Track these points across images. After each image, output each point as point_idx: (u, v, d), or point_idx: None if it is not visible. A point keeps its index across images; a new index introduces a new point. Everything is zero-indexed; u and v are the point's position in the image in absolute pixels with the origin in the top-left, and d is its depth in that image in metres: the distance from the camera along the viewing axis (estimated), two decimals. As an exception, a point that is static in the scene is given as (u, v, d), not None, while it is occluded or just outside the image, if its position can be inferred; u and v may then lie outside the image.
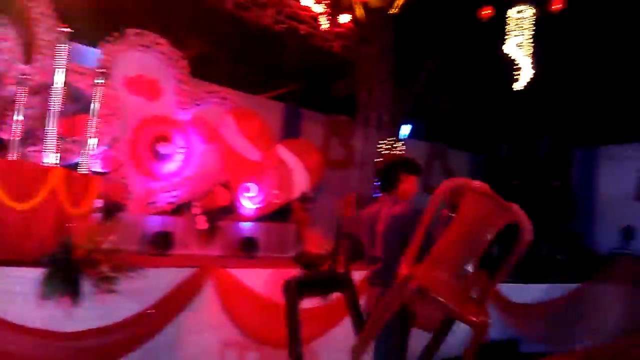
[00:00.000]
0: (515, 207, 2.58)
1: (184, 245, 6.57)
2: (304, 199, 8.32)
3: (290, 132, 9.14)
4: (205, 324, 4.30)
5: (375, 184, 9.06)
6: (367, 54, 9.17)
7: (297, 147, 8.35)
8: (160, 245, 6.12)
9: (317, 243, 5.05)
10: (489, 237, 2.53)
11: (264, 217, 7.90)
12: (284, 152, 8.13)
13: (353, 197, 3.57)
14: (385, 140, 9.13)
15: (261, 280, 4.66)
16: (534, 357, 6.43)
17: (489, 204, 2.56)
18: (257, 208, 7.76)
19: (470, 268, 2.49)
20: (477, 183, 2.58)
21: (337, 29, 8.92)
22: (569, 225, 7.84)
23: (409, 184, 3.09)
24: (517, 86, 9.50)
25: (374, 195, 9.17)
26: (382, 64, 9.22)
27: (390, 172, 3.14)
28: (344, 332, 4.78)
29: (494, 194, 2.58)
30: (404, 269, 2.46)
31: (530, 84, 10.78)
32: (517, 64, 9.42)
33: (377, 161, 8.93)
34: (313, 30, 8.64)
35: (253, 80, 9.39)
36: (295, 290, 3.04)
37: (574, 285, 6.94)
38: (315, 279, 3.71)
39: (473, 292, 2.58)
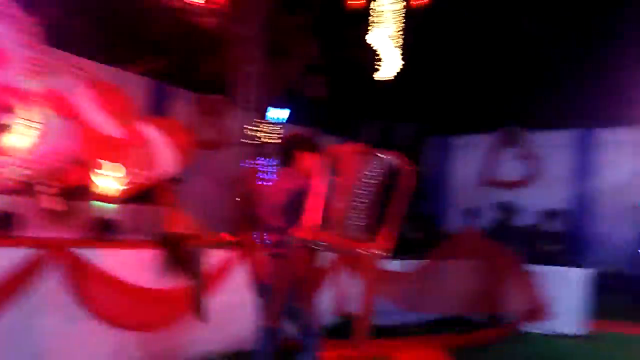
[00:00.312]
0: (392, 155, 3.02)
1: (31, 227, 6.07)
2: (171, 180, 8.08)
3: (157, 109, 8.80)
4: (51, 307, 4.05)
5: (248, 164, 9.12)
6: (241, 33, 9.07)
7: (164, 126, 8.02)
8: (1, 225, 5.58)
9: (183, 224, 4.96)
10: (372, 189, 2.93)
11: (127, 198, 7.54)
12: (150, 130, 7.78)
13: (253, 170, 3.87)
14: (257, 122, 9.15)
15: (117, 261, 4.48)
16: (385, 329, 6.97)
17: (363, 159, 2.97)
18: (119, 189, 7.38)
19: (360, 221, 2.87)
20: (349, 145, 3.04)
21: (212, 5, 8.69)
22: (424, 207, 8.50)
23: (306, 161, 3.30)
24: (379, 76, 10.00)
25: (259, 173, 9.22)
26: (256, 44, 9.18)
27: (289, 149, 3.40)
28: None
29: (367, 150, 3.00)
30: (298, 233, 2.84)
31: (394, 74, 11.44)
32: (379, 54, 9.90)
33: (252, 143, 8.94)
34: (186, 5, 8.33)
35: (118, 53, 8.85)
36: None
37: (423, 261, 7.57)
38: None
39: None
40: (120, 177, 7.57)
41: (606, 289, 9.39)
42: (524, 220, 9.22)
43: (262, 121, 9.22)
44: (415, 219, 8.04)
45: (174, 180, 7.91)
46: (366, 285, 3.03)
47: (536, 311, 6.99)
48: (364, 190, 2.95)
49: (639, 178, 10.35)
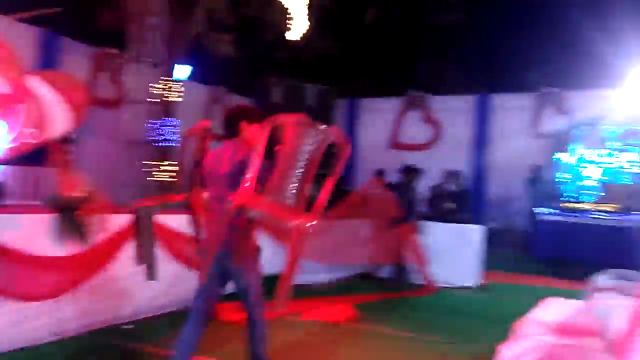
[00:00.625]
0: (332, 128, 3.18)
1: None
2: (64, 139, 7.47)
3: (46, 62, 8.03)
4: None
5: (149, 125, 8.63)
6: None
7: (56, 81, 7.32)
8: None
9: (76, 186, 4.57)
10: (309, 160, 3.12)
11: (15, 159, 6.88)
12: (39, 85, 7.07)
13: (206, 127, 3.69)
14: (160, 79, 8.65)
15: (5, 227, 4.06)
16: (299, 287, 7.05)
17: (304, 131, 3.08)
18: (9, 148, 6.70)
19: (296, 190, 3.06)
20: (292, 116, 3.11)
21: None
22: (331, 169, 8.53)
23: (251, 132, 3.37)
24: (290, 36, 9.82)
25: (149, 140, 8.73)
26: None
27: (234, 120, 3.44)
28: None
29: (308, 121, 3.11)
30: (236, 200, 2.97)
31: (305, 36, 11.28)
32: (291, 14, 9.69)
33: (150, 101, 8.45)
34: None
35: (-1, -3, 7.91)
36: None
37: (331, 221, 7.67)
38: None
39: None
40: (5, 136, 6.89)
41: (500, 244, 10.14)
42: (427, 181, 9.59)
43: (165, 78, 8.73)
44: (322, 179, 8.07)
45: (68, 140, 7.31)
46: (291, 252, 3.18)
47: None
48: (302, 161, 3.09)
49: (533, 140, 11.12)
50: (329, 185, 3.21)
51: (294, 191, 3.09)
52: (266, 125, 3.11)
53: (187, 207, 3.67)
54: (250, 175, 3.01)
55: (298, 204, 3.13)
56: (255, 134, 3.31)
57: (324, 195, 3.21)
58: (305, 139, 3.09)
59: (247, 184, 3.00)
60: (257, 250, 3.53)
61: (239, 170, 3.17)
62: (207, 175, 3.48)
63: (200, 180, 3.56)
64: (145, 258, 3.91)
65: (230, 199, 3.05)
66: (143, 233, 3.96)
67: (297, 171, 3.10)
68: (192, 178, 3.63)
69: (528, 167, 10.47)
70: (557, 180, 10.36)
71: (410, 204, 7.61)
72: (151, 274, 3.94)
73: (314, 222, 3.05)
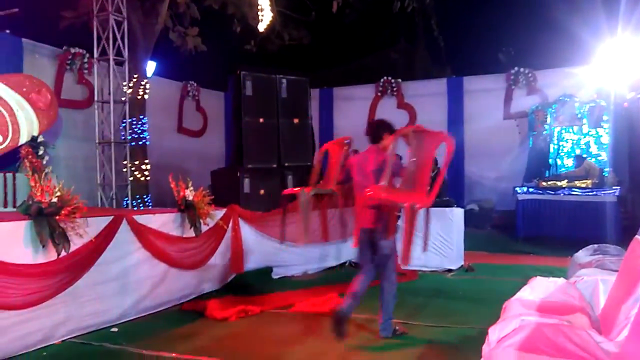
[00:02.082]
0: (444, 132, 4.49)
1: None
2: (34, 143, 7.29)
3: (9, 66, 7.78)
4: None
5: (121, 124, 8.46)
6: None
7: (19, 84, 7.17)
8: None
9: (50, 191, 4.44)
10: (432, 157, 4.40)
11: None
12: (2, 88, 6.90)
13: (349, 141, 5.23)
14: (127, 77, 8.46)
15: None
16: (284, 279, 7.05)
17: (425, 136, 4.29)
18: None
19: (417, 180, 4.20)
20: (412, 127, 4.74)
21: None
22: (311, 159, 8.52)
23: (388, 140, 4.54)
24: (260, 27, 9.73)
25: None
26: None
27: (378, 131, 4.68)
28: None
29: (425, 130, 4.38)
30: (371, 190, 4.13)
31: (273, 26, 11.17)
32: (259, 5, 9.59)
33: (119, 100, 8.26)
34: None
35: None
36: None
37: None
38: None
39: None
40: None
41: (481, 225, 10.26)
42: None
43: (132, 76, 8.54)
44: (304, 171, 8.05)
45: (39, 144, 7.14)
46: (408, 224, 4.15)
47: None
48: (420, 158, 4.21)
49: (506, 121, 11.24)
50: (440, 176, 4.15)
51: (416, 181, 4.19)
52: (396, 134, 4.47)
53: (332, 195, 5.04)
54: (387, 171, 4.21)
55: (418, 190, 4.16)
56: (389, 141, 4.51)
57: (437, 184, 4.12)
58: (424, 143, 4.23)
59: (383, 178, 4.20)
60: (395, 227, 4.42)
61: (380, 168, 4.34)
62: (355, 171, 4.72)
63: (344, 176, 4.93)
64: (306, 231, 5.04)
65: (369, 189, 4.17)
66: (305, 212, 4.96)
67: (418, 166, 4.22)
68: (339, 174, 5.01)
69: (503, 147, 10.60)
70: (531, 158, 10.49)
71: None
72: (307, 238, 5.11)
73: (427, 204, 4.15)
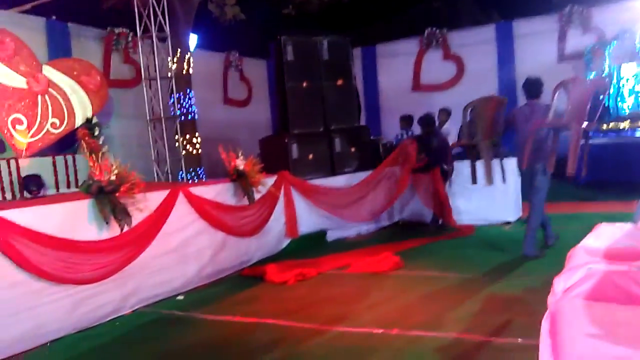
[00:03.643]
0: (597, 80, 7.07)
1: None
2: (89, 125, 7.53)
3: (58, 51, 8.01)
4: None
5: (183, 100, 8.62)
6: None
7: (70, 68, 7.37)
8: None
9: (109, 169, 4.60)
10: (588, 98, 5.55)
11: (45, 150, 6.99)
12: (54, 74, 7.12)
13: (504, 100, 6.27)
14: (173, 52, 8.53)
15: (45, 218, 4.14)
16: (338, 241, 7.12)
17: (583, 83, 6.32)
18: (32, 142, 6.81)
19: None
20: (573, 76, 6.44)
21: None
22: (357, 120, 8.41)
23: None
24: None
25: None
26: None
27: (537, 85, 5.75)
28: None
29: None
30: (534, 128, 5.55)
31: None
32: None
33: (170, 75, 8.37)
34: None
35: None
36: None
37: (365, 174, 7.62)
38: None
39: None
40: (33, 129, 6.99)
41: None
42: (458, 120, 9.36)
43: (176, 51, 8.61)
44: (350, 133, 7.97)
45: (93, 125, 7.37)
46: (574, 140, 5.32)
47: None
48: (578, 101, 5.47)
49: (561, 65, 10.65)
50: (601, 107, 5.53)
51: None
52: (557, 86, 5.50)
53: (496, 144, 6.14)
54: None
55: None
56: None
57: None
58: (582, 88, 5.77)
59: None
60: (550, 163, 5.48)
61: (539, 115, 5.50)
62: (521, 121, 5.70)
63: (506, 127, 5.95)
64: (488, 176, 6.16)
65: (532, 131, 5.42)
66: (487, 158, 6.10)
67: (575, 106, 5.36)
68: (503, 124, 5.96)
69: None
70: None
71: (432, 152, 7.47)
72: (489, 180, 6.22)
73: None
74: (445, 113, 9.58)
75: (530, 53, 10.93)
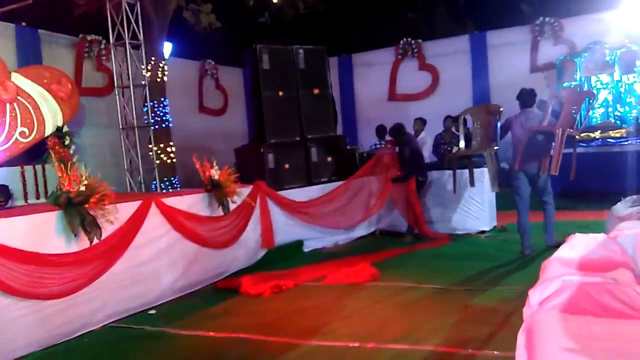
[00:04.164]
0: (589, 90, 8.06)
1: None
2: (60, 134, 7.35)
3: (27, 58, 7.82)
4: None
5: (144, 108, 8.48)
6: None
7: (40, 76, 7.19)
8: None
9: (78, 180, 4.47)
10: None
11: (13, 160, 6.79)
12: (23, 82, 6.94)
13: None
14: (147, 60, 8.41)
15: (17, 231, 4.00)
16: (315, 251, 7.07)
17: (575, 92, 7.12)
18: (0, 151, 6.61)
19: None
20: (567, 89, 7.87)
21: None
22: (333, 129, 8.39)
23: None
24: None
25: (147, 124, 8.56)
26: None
27: (532, 96, 6.20)
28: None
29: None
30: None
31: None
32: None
33: (139, 84, 8.24)
34: None
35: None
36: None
37: (340, 182, 7.60)
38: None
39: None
40: (1, 138, 6.79)
41: (507, 182, 10.01)
42: (433, 129, 9.43)
43: (150, 58, 8.49)
44: (326, 142, 7.94)
45: (64, 134, 7.19)
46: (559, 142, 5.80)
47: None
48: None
49: (534, 75, 10.82)
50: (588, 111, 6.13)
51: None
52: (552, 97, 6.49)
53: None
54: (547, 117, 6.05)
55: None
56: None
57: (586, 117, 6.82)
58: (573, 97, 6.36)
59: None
60: (548, 163, 5.86)
61: (534, 122, 6.06)
62: (516, 128, 6.12)
63: (502, 133, 6.40)
64: (493, 182, 6.55)
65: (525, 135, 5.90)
66: (490, 166, 6.49)
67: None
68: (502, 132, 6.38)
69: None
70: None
71: (406, 161, 7.49)
72: (497, 187, 6.60)
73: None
74: (421, 122, 9.65)
75: (504, 63, 11.09)
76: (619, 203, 4.58)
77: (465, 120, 6.82)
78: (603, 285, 2.28)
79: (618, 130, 8.92)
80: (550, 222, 6.24)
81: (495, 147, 6.59)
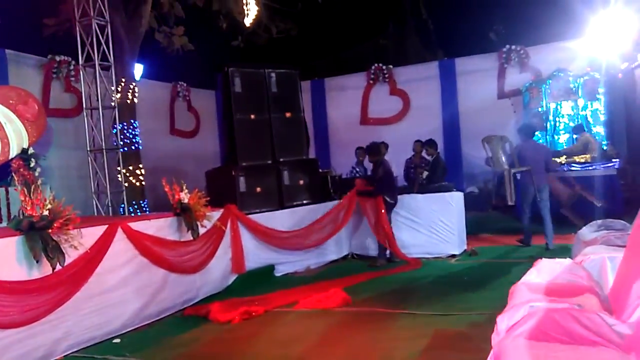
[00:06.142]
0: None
1: None
2: (25, 156, 7.16)
3: (-5, 78, 7.66)
4: None
5: (112, 130, 8.34)
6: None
7: (5, 96, 7.02)
8: None
9: (42, 204, 4.34)
10: None
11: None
12: (-12, 103, 6.76)
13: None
14: (117, 81, 8.32)
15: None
16: (287, 276, 7.00)
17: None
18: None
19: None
20: None
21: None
22: (305, 152, 8.40)
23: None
24: (247, 22, 9.59)
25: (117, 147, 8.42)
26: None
27: (532, 129, 8.03)
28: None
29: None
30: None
31: (260, 20, 11.01)
32: (246, 0, 9.45)
33: (109, 105, 8.13)
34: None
35: None
36: None
37: (315, 207, 7.58)
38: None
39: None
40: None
41: (482, 207, 10.17)
42: (404, 154, 9.52)
43: (120, 80, 8.41)
44: (300, 166, 7.93)
45: (29, 156, 7.01)
46: None
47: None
48: None
49: (501, 101, 11.09)
50: None
51: None
52: None
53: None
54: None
55: None
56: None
57: None
58: None
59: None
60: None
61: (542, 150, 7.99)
62: (531, 154, 7.60)
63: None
64: (510, 197, 7.65)
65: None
66: (508, 183, 7.61)
67: None
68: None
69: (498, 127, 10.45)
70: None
71: (377, 181, 7.55)
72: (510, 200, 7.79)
73: None
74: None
75: (472, 89, 11.34)
76: (584, 227, 4.68)
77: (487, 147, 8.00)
78: (569, 312, 2.29)
79: (582, 156, 9.15)
80: (550, 229, 7.57)
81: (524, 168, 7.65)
